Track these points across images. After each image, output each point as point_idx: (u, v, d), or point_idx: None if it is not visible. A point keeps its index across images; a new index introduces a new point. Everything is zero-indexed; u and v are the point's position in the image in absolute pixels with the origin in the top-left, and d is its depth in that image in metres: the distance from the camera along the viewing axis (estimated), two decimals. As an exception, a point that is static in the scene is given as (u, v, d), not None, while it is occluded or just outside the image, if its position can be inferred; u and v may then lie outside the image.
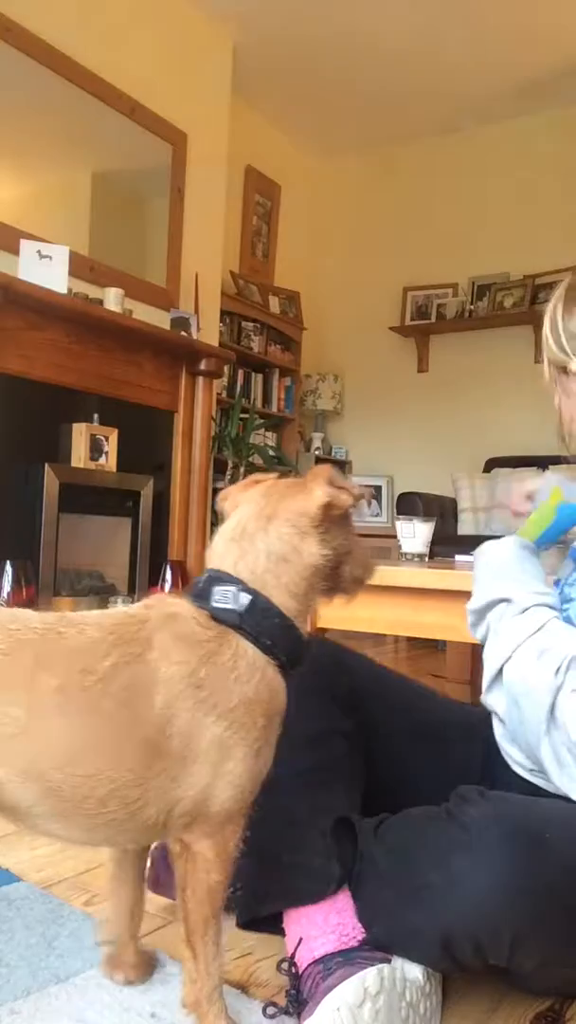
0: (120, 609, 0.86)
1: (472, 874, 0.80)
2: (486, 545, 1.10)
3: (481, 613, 1.05)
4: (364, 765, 1.06)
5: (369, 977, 0.81)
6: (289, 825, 0.96)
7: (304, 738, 1.00)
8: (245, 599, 0.83)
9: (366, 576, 0.95)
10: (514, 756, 1.04)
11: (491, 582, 1.05)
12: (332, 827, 0.94)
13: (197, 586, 0.87)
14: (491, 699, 1.00)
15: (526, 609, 0.98)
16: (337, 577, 0.92)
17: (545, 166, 4.85)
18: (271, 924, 0.96)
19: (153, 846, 1.08)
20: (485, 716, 1.09)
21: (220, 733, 0.79)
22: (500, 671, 0.98)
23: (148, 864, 1.08)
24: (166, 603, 0.85)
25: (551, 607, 0.99)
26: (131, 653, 0.79)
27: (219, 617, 0.83)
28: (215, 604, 0.84)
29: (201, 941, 0.83)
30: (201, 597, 0.85)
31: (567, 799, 0.92)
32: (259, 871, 0.96)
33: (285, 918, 0.93)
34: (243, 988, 0.95)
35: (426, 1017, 0.86)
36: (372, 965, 0.83)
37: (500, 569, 1.05)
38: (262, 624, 0.83)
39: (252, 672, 0.82)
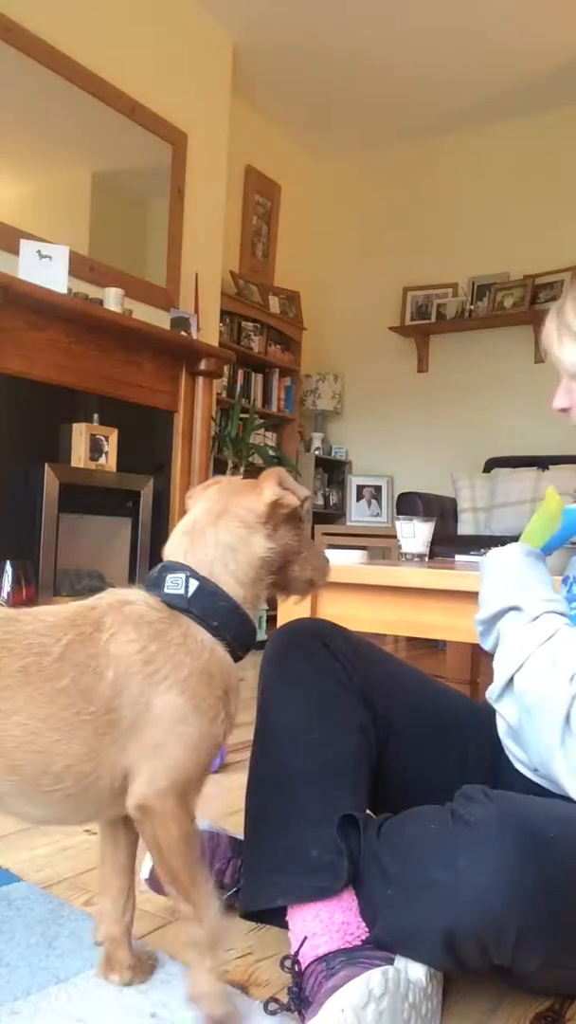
0: (79, 602, 0.91)
1: (476, 874, 0.80)
2: (492, 553, 1.09)
3: (490, 623, 1.04)
4: (379, 752, 1.07)
5: (374, 979, 0.81)
6: (300, 820, 0.96)
7: (320, 729, 1.01)
8: (193, 584, 0.90)
9: (317, 578, 1.01)
10: (517, 754, 1.04)
11: (499, 591, 1.04)
12: (338, 824, 0.94)
13: (151, 576, 0.93)
14: (502, 707, 1.00)
15: (536, 617, 0.98)
16: (287, 576, 0.98)
17: (545, 166, 4.86)
18: (272, 917, 0.96)
19: None
20: (493, 713, 1.10)
21: (174, 700, 0.83)
22: (511, 680, 0.97)
23: (150, 866, 1.08)
24: (118, 592, 0.91)
25: (562, 614, 0.99)
26: (84, 634, 0.84)
27: (169, 602, 0.89)
28: (166, 591, 0.90)
29: (194, 889, 0.86)
30: (154, 585, 0.91)
31: (571, 799, 0.92)
32: (267, 863, 0.96)
33: (290, 913, 0.93)
34: (243, 988, 0.95)
35: (427, 1018, 0.86)
36: (375, 966, 0.83)
37: (508, 577, 1.04)
38: (208, 607, 0.89)
39: (201, 649, 0.87)
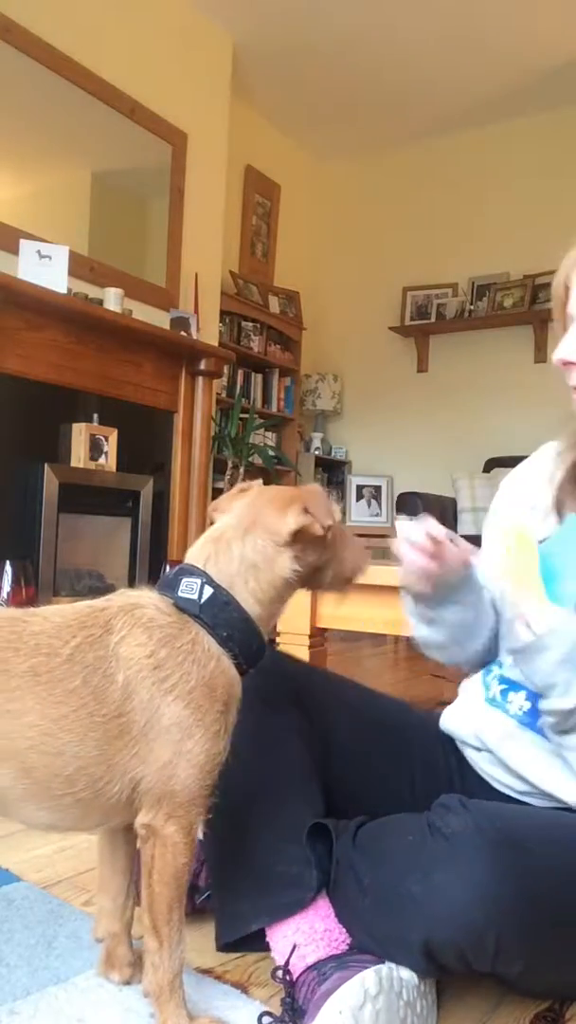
0: (87, 602, 0.90)
1: (454, 886, 0.80)
2: (547, 635, 0.90)
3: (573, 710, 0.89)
4: (323, 760, 1.05)
5: (368, 978, 0.81)
6: (259, 841, 0.96)
7: (259, 747, 1.00)
8: (208, 591, 0.88)
9: (355, 574, 0.99)
10: (501, 779, 1.03)
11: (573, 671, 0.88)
12: (308, 832, 0.94)
13: (166, 577, 0.91)
14: None
15: None
16: (319, 579, 0.96)
17: (545, 166, 4.86)
18: (253, 943, 0.95)
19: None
20: (433, 717, 1.10)
21: (180, 712, 0.82)
22: None
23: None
24: (128, 594, 0.90)
25: None
26: (93, 636, 0.83)
27: (181, 606, 0.88)
28: (180, 594, 0.88)
29: (167, 926, 0.84)
30: (168, 587, 0.89)
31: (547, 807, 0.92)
32: (236, 891, 0.96)
33: (269, 934, 0.93)
34: (243, 988, 0.95)
35: (423, 1016, 0.86)
36: (366, 967, 0.83)
37: (572, 654, 0.89)
38: (220, 616, 0.88)
39: (208, 658, 0.86)
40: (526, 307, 4.72)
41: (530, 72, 4.48)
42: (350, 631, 2.03)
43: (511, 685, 1.03)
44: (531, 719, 0.99)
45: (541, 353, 4.75)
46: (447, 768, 1.08)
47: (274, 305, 5.10)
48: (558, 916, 0.82)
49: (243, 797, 0.98)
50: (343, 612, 1.90)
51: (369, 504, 5.34)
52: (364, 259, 5.49)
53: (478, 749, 1.06)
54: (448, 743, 1.11)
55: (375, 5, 3.98)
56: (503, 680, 1.05)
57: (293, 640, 1.96)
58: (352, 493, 5.38)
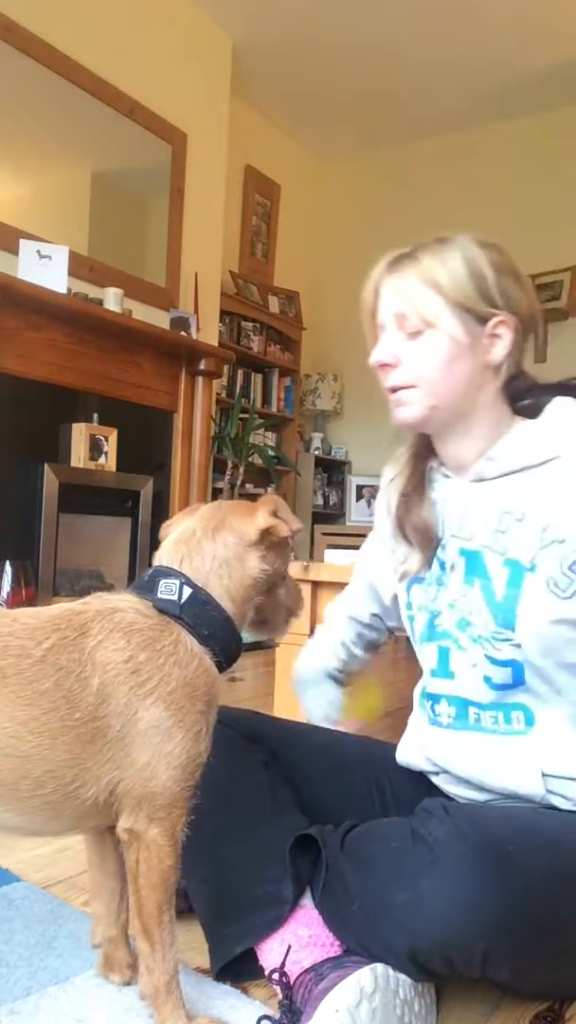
0: (61, 605, 0.89)
1: (439, 895, 0.80)
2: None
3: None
4: (290, 784, 1.07)
5: (364, 977, 0.81)
6: (236, 870, 0.97)
7: (225, 784, 1.02)
8: (187, 591, 0.89)
9: (296, 608, 1.02)
10: (464, 795, 1.04)
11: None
12: (292, 844, 0.94)
13: (142, 580, 0.91)
14: None
15: None
16: (272, 599, 0.98)
17: (545, 166, 4.85)
18: (249, 971, 0.95)
19: None
20: (387, 749, 1.16)
21: (159, 715, 0.82)
22: None
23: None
24: (106, 598, 0.90)
25: None
26: (67, 638, 0.83)
27: (161, 608, 0.88)
28: (159, 595, 0.88)
29: (158, 929, 0.84)
30: (146, 589, 0.90)
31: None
32: (220, 919, 0.96)
33: (259, 955, 0.93)
34: (242, 988, 0.96)
35: (421, 1014, 0.86)
36: (363, 966, 0.83)
37: None
38: (200, 615, 0.88)
39: (190, 658, 0.86)
40: (526, 307, 4.71)
41: (530, 72, 4.48)
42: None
43: (434, 698, 1.07)
44: (462, 721, 1.02)
45: (540, 353, 4.73)
46: (416, 794, 1.09)
47: (274, 305, 5.10)
48: (542, 920, 0.82)
49: (215, 835, 0.99)
50: (343, 612, 1.90)
51: (369, 504, 5.34)
52: (364, 259, 5.43)
53: (436, 772, 1.08)
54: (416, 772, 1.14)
55: (375, 5, 3.98)
56: (427, 696, 1.08)
57: (293, 640, 1.96)
58: (352, 493, 5.38)
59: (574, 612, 0.93)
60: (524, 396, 1.04)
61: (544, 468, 0.97)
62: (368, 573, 1.26)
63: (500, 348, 0.99)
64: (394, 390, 1.01)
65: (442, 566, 1.05)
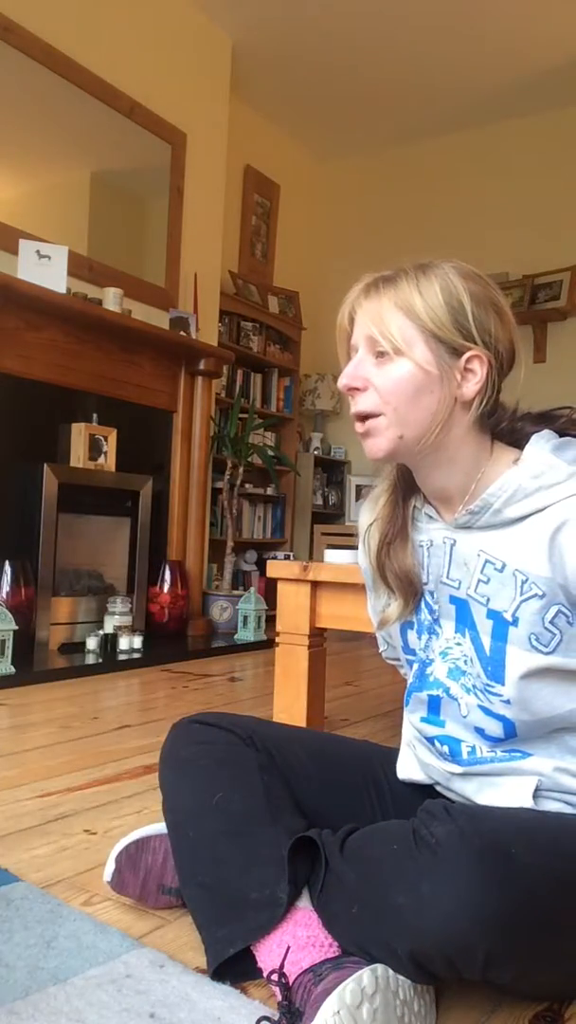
0: None
1: (441, 898, 0.79)
2: None
3: None
4: (288, 787, 1.07)
5: (365, 977, 0.81)
6: (232, 875, 0.97)
7: (221, 786, 1.02)
8: None
9: None
10: (468, 798, 1.04)
11: None
12: (291, 846, 0.94)
13: None
14: None
15: None
16: None
17: (545, 166, 4.86)
18: (246, 972, 0.95)
19: (117, 848, 1.11)
20: (385, 751, 1.16)
21: None
22: None
23: (112, 867, 1.10)
24: None
25: None
26: None
27: None
28: None
29: None
30: None
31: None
32: (217, 921, 0.96)
33: (257, 957, 0.93)
34: (242, 988, 0.95)
35: (421, 1015, 0.86)
36: (362, 967, 0.83)
37: None
38: None
39: None
40: (525, 307, 4.71)
41: (530, 72, 4.48)
42: (350, 631, 2.03)
43: (428, 739, 1.07)
44: (456, 758, 1.03)
45: (540, 353, 4.75)
46: (416, 796, 1.09)
47: (273, 305, 5.10)
48: (544, 921, 0.82)
49: (212, 839, 0.99)
50: (342, 612, 1.90)
51: (368, 504, 5.34)
52: (363, 259, 5.48)
53: (439, 783, 1.09)
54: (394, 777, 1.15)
55: (375, 5, 3.98)
56: (422, 736, 1.08)
57: (293, 640, 1.96)
58: (351, 493, 5.38)
59: (557, 663, 0.93)
60: (502, 425, 1.02)
61: (527, 520, 0.95)
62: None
63: (472, 384, 0.95)
64: (361, 418, 0.98)
65: (432, 613, 1.04)
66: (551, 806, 0.97)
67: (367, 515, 1.11)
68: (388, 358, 0.95)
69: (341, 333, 1.03)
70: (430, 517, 1.05)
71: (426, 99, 4.81)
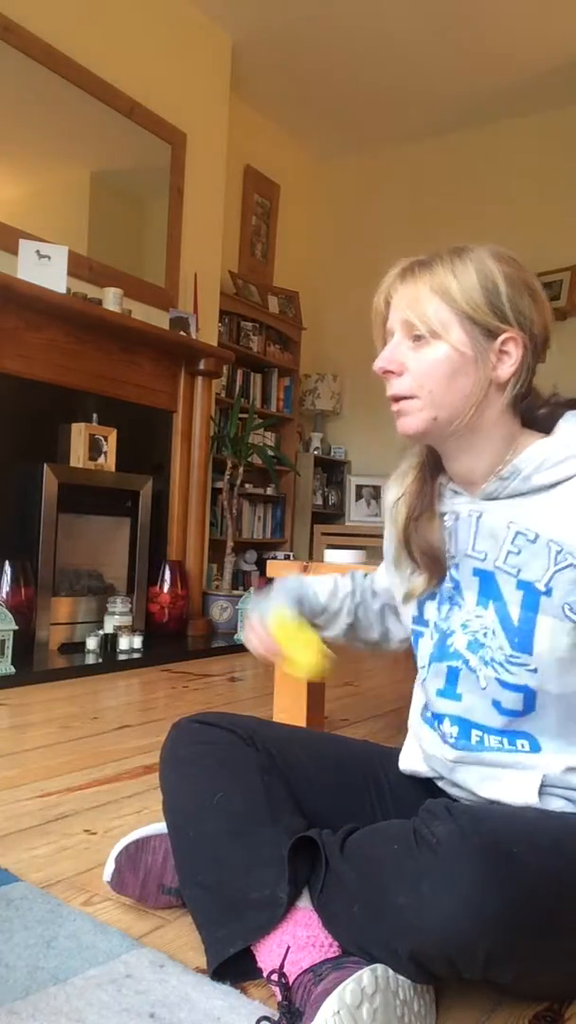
0: None
1: (441, 898, 0.79)
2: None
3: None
4: (288, 787, 1.07)
5: (365, 977, 0.81)
6: (232, 875, 0.97)
7: (221, 785, 1.02)
8: None
9: None
10: (467, 800, 1.04)
11: None
12: (291, 846, 0.94)
13: None
14: None
15: None
16: None
17: (545, 166, 4.86)
18: (245, 972, 0.95)
19: (117, 848, 1.11)
20: (387, 751, 1.16)
21: None
22: None
23: (112, 866, 1.10)
24: None
25: None
26: None
27: None
28: None
29: None
30: None
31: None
32: (217, 922, 0.96)
33: (257, 957, 0.93)
34: (242, 988, 0.95)
35: (420, 1015, 0.86)
36: (362, 967, 0.83)
37: None
38: None
39: None
40: (525, 307, 4.71)
41: (530, 71, 4.48)
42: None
43: (438, 718, 1.06)
44: (464, 741, 1.02)
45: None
46: (417, 796, 1.09)
47: (273, 305, 5.10)
48: (545, 921, 0.82)
49: (213, 838, 0.99)
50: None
51: (368, 504, 5.34)
52: (364, 259, 5.49)
53: (439, 777, 1.08)
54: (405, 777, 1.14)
55: (375, 4, 3.98)
56: (433, 715, 1.08)
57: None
58: (351, 493, 5.38)
59: None
60: (536, 411, 1.02)
61: (558, 488, 0.95)
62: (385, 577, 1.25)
63: (507, 366, 0.96)
64: (396, 399, 1.00)
65: (456, 585, 1.03)
66: (556, 803, 0.96)
67: (395, 490, 1.11)
68: (424, 342, 0.96)
69: (377, 317, 1.03)
70: (455, 492, 1.05)
71: (426, 99, 4.81)
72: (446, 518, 1.05)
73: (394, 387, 0.99)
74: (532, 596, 0.95)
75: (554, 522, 0.94)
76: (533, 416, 1.02)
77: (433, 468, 1.08)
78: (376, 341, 1.04)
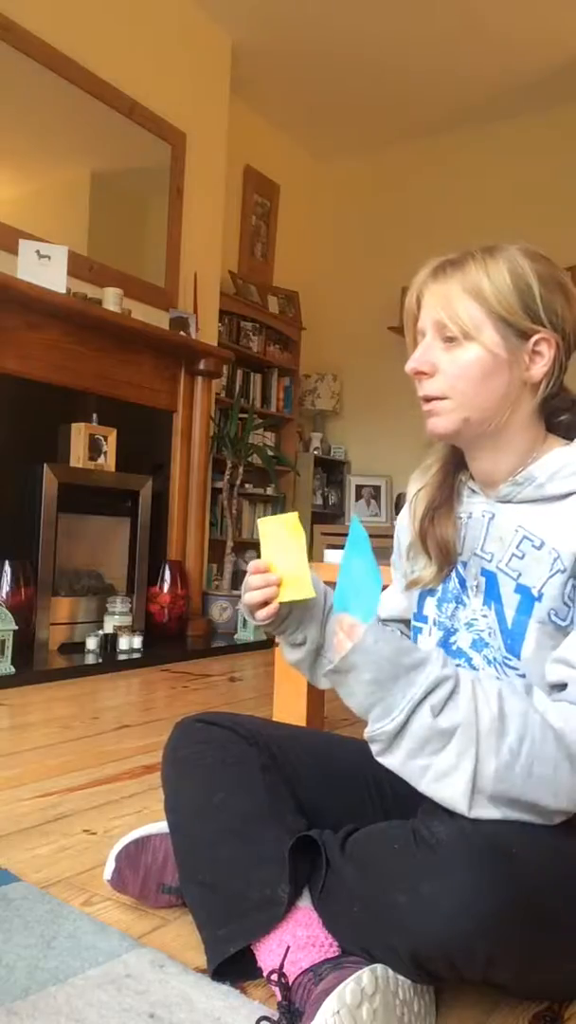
0: None
1: (441, 896, 0.79)
2: (351, 656, 0.88)
3: (398, 732, 0.87)
4: (289, 787, 1.07)
5: (365, 977, 0.81)
6: (233, 874, 0.97)
7: (223, 785, 1.02)
8: None
9: None
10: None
11: (387, 689, 0.87)
12: (292, 846, 0.94)
13: None
14: (480, 812, 0.85)
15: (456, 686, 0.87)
16: None
17: (544, 166, 4.86)
18: (246, 972, 0.95)
19: (118, 847, 1.11)
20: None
21: None
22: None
23: (113, 865, 1.10)
24: None
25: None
26: None
27: None
28: None
29: None
30: None
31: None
32: (217, 921, 0.96)
33: (258, 956, 0.93)
34: (241, 988, 0.95)
35: (420, 1014, 0.86)
36: (362, 967, 0.83)
37: (383, 671, 0.87)
38: None
39: None
40: (525, 307, 4.71)
41: (530, 71, 4.48)
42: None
43: None
44: None
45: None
46: (418, 796, 1.09)
47: (273, 305, 5.10)
48: (545, 922, 0.82)
49: (214, 838, 0.99)
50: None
51: (368, 504, 5.34)
52: (364, 259, 5.49)
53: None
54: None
55: (374, 4, 3.98)
56: None
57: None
58: (351, 493, 5.38)
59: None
60: (562, 414, 1.02)
61: (571, 499, 0.95)
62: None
63: (540, 366, 0.96)
64: (427, 400, 0.99)
65: (463, 584, 1.04)
66: None
67: (417, 482, 1.12)
68: (457, 343, 0.96)
69: (408, 316, 1.03)
70: (473, 491, 1.06)
71: (425, 99, 4.81)
72: (460, 517, 1.06)
73: (426, 388, 0.99)
74: (527, 601, 0.95)
75: (560, 532, 0.94)
76: (556, 422, 1.02)
77: (456, 465, 1.09)
78: (407, 341, 1.04)
